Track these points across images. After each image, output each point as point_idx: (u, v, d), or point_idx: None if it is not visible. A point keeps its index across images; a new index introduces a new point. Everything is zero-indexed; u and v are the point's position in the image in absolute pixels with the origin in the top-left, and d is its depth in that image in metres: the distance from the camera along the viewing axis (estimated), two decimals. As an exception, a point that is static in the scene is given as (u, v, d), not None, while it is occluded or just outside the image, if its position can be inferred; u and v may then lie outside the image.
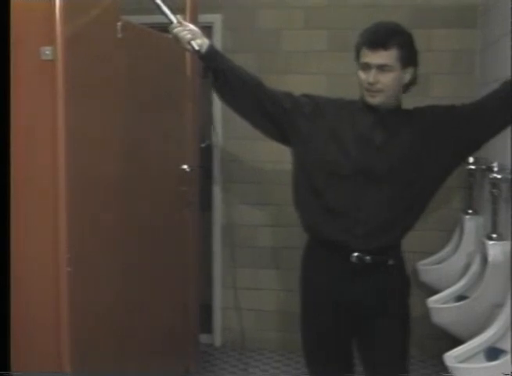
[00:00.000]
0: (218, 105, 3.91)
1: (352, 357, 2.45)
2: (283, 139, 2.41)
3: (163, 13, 2.33)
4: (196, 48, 2.29)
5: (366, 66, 2.19)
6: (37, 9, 2.08)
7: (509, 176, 2.77)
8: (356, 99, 2.33)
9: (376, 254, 2.26)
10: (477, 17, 3.81)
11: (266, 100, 2.34)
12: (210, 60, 2.32)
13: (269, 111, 2.34)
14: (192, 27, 2.35)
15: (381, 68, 2.17)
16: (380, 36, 2.18)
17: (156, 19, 2.40)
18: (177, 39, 2.32)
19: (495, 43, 3.34)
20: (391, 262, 2.30)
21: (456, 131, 2.26)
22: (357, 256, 2.25)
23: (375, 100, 2.22)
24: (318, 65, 3.98)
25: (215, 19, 4.03)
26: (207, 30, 3.87)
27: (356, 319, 2.33)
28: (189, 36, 2.30)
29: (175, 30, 2.31)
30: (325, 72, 3.95)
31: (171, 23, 2.32)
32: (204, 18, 3.69)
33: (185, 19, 3.23)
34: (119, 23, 2.49)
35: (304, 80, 3.93)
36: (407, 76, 2.25)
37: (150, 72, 2.88)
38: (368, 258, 2.25)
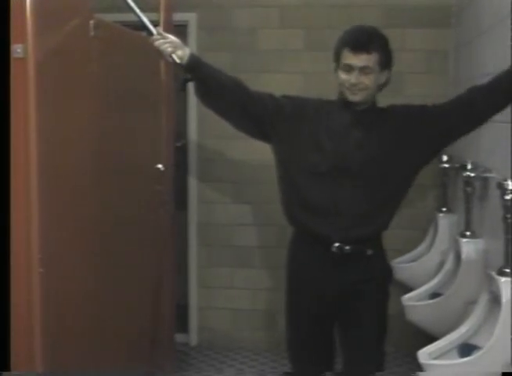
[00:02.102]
0: (193, 104, 3.91)
1: (334, 343, 2.58)
2: (265, 138, 2.50)
3: (143, 25, 2.37)
4: (178, 61, 2.35)
5: (349, 68, 2.31)
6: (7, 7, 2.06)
7: (482, 174, 2.79)
8: (333, 99, 2.44)
9: (355, 244, 2.38)
10: (450, 17, 3.84)
11: (249, 101, 2.42)
12: (192, 70, 2.38)
13: (252, 112, 2.43)
14: (172, 38, 2.40)
15: (363, 70, 2.29)
16: (364, 40, 2.30)
17: (130, 17, 2.39)
18: (158, 51, 2.37)
19: (468, 43, 3.38)
20: (369, 252, 2.44)
21: (427, 129, 2.37)
22: (337, 246, 2.38)
23: (356, 97, 2.34)
24: (294, 64, 3.99)
25: (190, 18, 4.02)
26: (181, 29, 3.87)
27: (337, 305, 2.46)
28: (169, 49, 2.35)
29: (156, 43, 2.36)
30: (301, 71, 3.96)
31: (152, 35, 2.36)
32: (179, 17, 3.68)
33: (159, 18, 3.25)
34: (92, 21, 2.46)
35: (280, 79, 3.93)
36: (383, 77, 2.38)
37: (124, 70, 2.86)
38: (347, 248, 2.38)
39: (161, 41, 2.36)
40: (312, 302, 2.48)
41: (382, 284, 2.51)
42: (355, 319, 2.47)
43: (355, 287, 2.42)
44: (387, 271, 2.55)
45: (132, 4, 2.37)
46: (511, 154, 2.02)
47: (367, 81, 2.31)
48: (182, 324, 4.14)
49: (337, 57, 2.35)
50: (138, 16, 2.37)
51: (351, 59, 2.29)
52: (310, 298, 2.48)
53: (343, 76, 2.32)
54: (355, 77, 2.29)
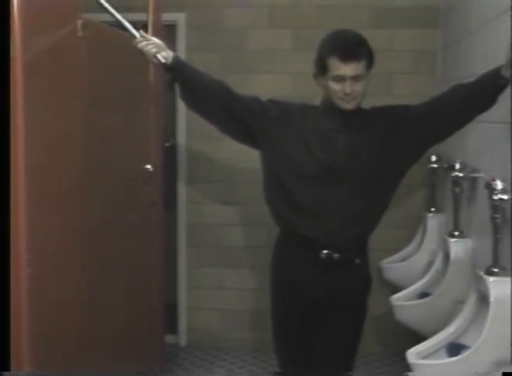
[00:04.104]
0: (182, 104, 3.90)
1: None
2: (251, 141, 2.48)
3: (125, 29, 2.38)
4: (163, 61, 2.35)
5: (340, 78, 2.28)
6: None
7: (470, 175, 2.80)
8: (318, 105, 2.43)
9: (344, 251, 2.37)
10: (438, 17, 3.86)
11: (234, 105, 2.40)
12: (176, 72, 2.38)
13: (238, 115, 2.41)
14: (155, 39, 2.41)
15: (355, 78, 2.28)
16: (353, 48, 2.28)
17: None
18: (142, 53, 2.37)
19: (456, 43, 3.39)
20: (357, 260, 2.43)
21: (412, 129, 2.37)
22: (326, 253, 2.37)
23: (350, 105, 2.33)
24: (283, 64, 3.99)
25: (179, 17, 4.01)
26: (170, 29, 3.87)
27: (318, 312, 2.44)
28: (154, 50, 2.36)
29: (140, 45, 2.37)
30: (290, 71, 3.96)
31: (134, 37, 2.36)
32: (168, 17, 3.68)
33: (148, 18, 3.25)
34: (79, 21, 2.46)
35: (268, 79, 3.94)
36: (369, 79, 2.35)
37: (113, 71, 2.86)
38: (336, 255, 2.36)
39: (144, 43, 2.36)
40: (295, 304, 2.46)
41: (364, 295, 2.50)
42: (333, 325, 2.44)
43: (339, 296, 2.41)
44: (369, 281, 2.53)
45: (112, 9, 2.39)
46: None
47: (359, 88, 2.29)
48: (171, 325, 4.13)
49: (323, 65, 2.30)
50: (119, 21, 2.40)
51: (342, 69, 2.26)
52: (293, 300, 2.46)
53: (334, 86, 2.29)
54: (349, 86, 2.27)
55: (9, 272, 1.93)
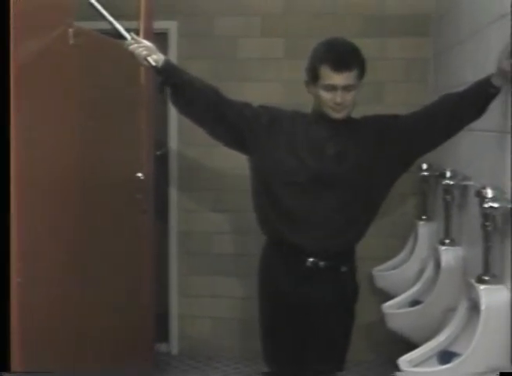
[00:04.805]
0: (173, 112, 3.89)
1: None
2: (241, 147, 2.47)
3: (116, 31, 2.39)
4: (153, 63, 2.36)
5: (331, 87, 2.28)
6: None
7: (461, 182, 2.81)
8: (308, 113, 2.44)
9: (330, 259, 2.36)
10: (429, 26, 3.88)
11: (225, 110, 2.40)
12: (167, 75, 2.38)
13: (228, 120, 2.41)
14: (146, 42, 2.41)
15: (346, 88, 2.27)
16: (345, 58, 2.28)
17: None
18: (133, 56, 2.37)
19: (447, 51, 3.41)
20: (344, 268, 2.43)
21: (401, 139, 2.37)
22: (312, 261, 2.36)
23: (340, 115, 2.33)
24: (275, 72, 4.00)
25: (171, 25, 4.01)
26: (162, 37, 3.87)
27: (305, 321, 2.45)
28: (144, 52, 2.36)
29: (131, 48, 2.37)
30: (282, 79, 3.97)
31: (125, 40, 2.38)
32: (160, 25, 3.68)
33: (139, 26, 3.24)
34: (71, 29, 2.45)
35: (260, 87, 3.94)
36: (360, 88, 2.35)
37: (104, 78, 2.85)
38: (322, 263, 2.36)
39: (135, 45, 2.37)
40: (282, 312, 2.47)
41: (351, 303, 2.51)
42: (320, 333, 2.46)
43: (326, 304, 2.41)
44: (357, 290, 2.54)
45: (104, 11, 2.39)
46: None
47: (350, 97, 2.30)
48: (163, 333, 4.11)
49: (315, 74, 2.31)
50: (111, 23, 2.40)
51: (334, 78, 2.26)
52: (280, 308, 2.47)
53: (326, 95, 2.29)
54: (340, 96, 2.27)
55: (8, 273, 1.92)
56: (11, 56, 2.03)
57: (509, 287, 2.15)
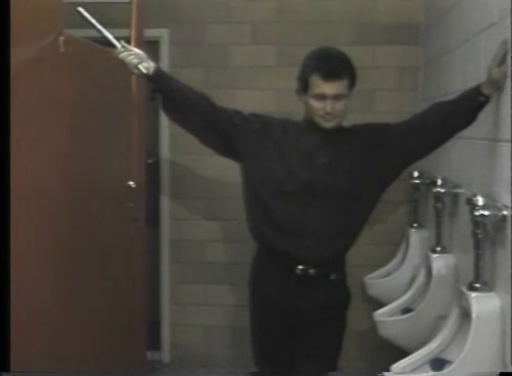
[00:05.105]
0: (165, 120, 3.90)
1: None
2: (232, 154, 2.48)
3: (106, 39, 2.40)
4: (144, 71, 2.36)
5: (321, 97, 2.27)
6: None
7: (452, 190, 2.82)
8: (299, 121, 2.43)
9: (320, 267, 2.36)
10: (419, 35, 3.90)
11: (216, 117, 2.41)
12: (158, 82, 2.39)
13: (219, 127, 2.42)
14: (136, 50, 2.42)
15: (336, 97, 2.27)
16: (335, 67, 2.27)
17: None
18: (123, 64, 2.38)
19: (437, 60, 3.42)
20: (333, 276, 2.43)
21: (391, 148, 2.38)
22: (301, 269, 2.36)
23: (331, 124, 2.33)
24: (266, 80, 4.00)
25: (162, 33, 4.01)
26: (153, 45, 3.87)
27: (296, 327, 2.45)
28: (135, 60, 2.37)
29: (121, 56, 2.37)
30: (273, 87, 3.97)
31: (115, 48, 2.38)
32: (151, 33, 3.69)
33: (130, 33, 3.25)
34: (61, 38, 2.45)
35: (252, 95, 3.95)
36: (351, 98, 2.35)
37: (95, 87, 2.85)
38: (311, 271, 2.36)
39: (126, 53, 2.37)
40: (272, 319, 2.47)
41: (342, 310, 2.51)
42: (311, 341, 2.46)
43: (316, 311, 2.42)
44: (348, 297, 2.53)
45: (92, 19, 2.39)
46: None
47: (340, 107, 2.29)
48: (155, 341, 4.10)
49: (305, 83, 2.31)
50: (100, 31, 2.40)
51: (324, 88, 2.26)
52: (270, 315, 2.47)
53: (316, 105, 2.29)
54: (330, 105, 2.27)
55: (8, 273, 1.91)
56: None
57: (500, 294, 2.16)
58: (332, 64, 2.28)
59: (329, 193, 2.33)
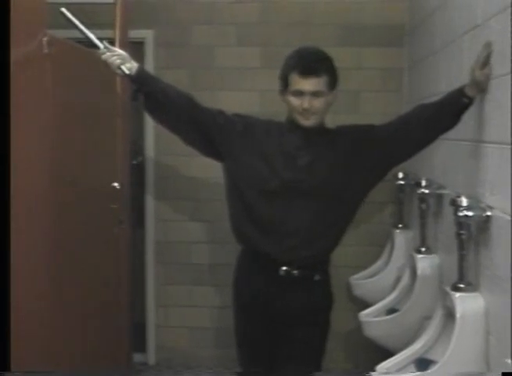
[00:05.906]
0: (150, 121, 3.88)
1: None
2: (215, 154, 2.49)
3: (89, 40, 2.38)
4: (127, 72, 2.36)
5: (299, 93, 2.29)
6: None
7: (436, 191, 2.84)
8: (282, 121, 2.45)
9: (303, 268, 2.37)
10: (403, 36, 3.91)
11: (199, 116, 2.41)
12: (141, 83, 2.39)
13: (202, 127, 2.42)
14: (119, 51, 2.42)
15: (314, 94, 2.29)
16: (312, 63, 2.29)
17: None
18: (106, 64, 2.37)
19: (421, 61, 3.44)
20: (317, 277, 2.44)
21: (375, 149, 2.39)
22: (285, 270, 2.37)
23: (309, 122, 2.33)
24: (251, 81, 4.01)
25: (147, 34, 4.00)
26: (138, 46, 3.86)
27: (280, 328, 2.46)
28: (118, 61, 2.36)
29: (104, 56, 2.37)
30: (258, 89, 3.97)
31: (98, 48, 2.37)
32: (136, 34, 3.67)
33: (115, 34, 3.23)
34: (45, 39, 2.43)
35: (237, 96, 3.95)
36: (332, 98, 2.37)
37: (79, 88, 2.83)
38: (295, 272, 2.37)
39: (108, 54, 2.36)
40: (256, 320, 2.49)
41: (326, 310, 2.52)
42: (294, 342, 2.46)
43: (300, 312, 2.43)
44: (331, 298, 2.54)
45: (75, 20, 2.38)
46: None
47: (318, 104, 2.31)
48: (140, 343, 4.09)
49: (285, 81, 2.34)
50: (83, 32, 2.39)
51: (301, 84, 2.28)
52: (254, 316, 2.48)
53: (294, 101, 2.31)
54: (307, 101, 2.28)
55: (9, 273, 1.90)
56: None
57: (484, 294, 2.17)
58: (309, 61, 2.30)
59: (311, 193, 2.34)
